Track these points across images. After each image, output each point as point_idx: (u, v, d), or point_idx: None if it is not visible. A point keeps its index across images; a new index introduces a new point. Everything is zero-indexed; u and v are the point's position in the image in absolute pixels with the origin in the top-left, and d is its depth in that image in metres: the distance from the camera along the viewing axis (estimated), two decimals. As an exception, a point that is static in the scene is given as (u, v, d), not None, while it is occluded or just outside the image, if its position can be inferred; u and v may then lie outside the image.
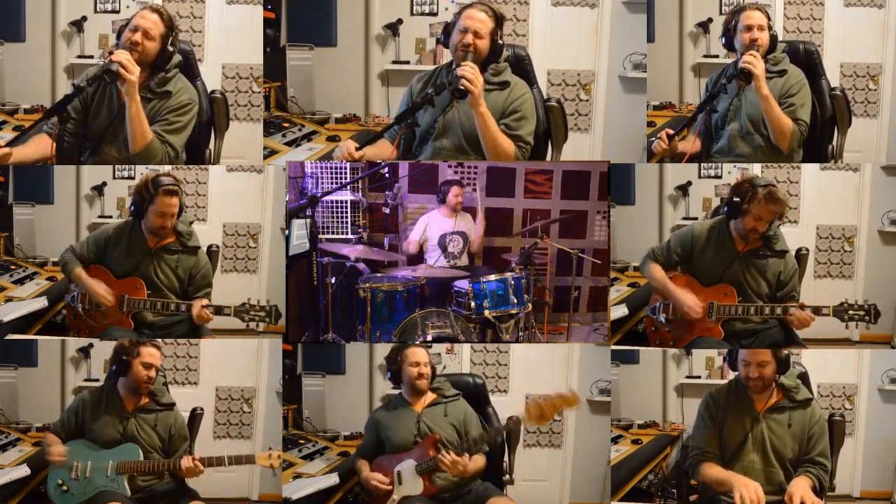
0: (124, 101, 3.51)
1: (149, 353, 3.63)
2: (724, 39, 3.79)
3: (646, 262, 3.81)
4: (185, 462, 3.55)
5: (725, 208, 3.66)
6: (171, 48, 3.59)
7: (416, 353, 3.74)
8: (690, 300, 3.65)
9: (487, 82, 3.60)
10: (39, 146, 3.64)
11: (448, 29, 3.67)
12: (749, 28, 3.68)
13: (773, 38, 3.71)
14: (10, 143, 3.56)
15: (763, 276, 3.64)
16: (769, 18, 3.71)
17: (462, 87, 3.47)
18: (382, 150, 3.74)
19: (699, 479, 3.51)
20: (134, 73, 3.45)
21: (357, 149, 3.59)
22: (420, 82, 3.78)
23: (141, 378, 3.62)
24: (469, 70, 3.49)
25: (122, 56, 3.45)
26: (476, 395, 3.85)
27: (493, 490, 3.64)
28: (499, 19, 3.62)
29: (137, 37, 3.53)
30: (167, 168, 3.75)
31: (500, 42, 3.61)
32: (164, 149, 3.60)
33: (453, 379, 3.86)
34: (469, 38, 3.57)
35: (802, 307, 3.54)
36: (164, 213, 3.63)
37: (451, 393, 3.77)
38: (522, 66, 3.81)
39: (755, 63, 3.61)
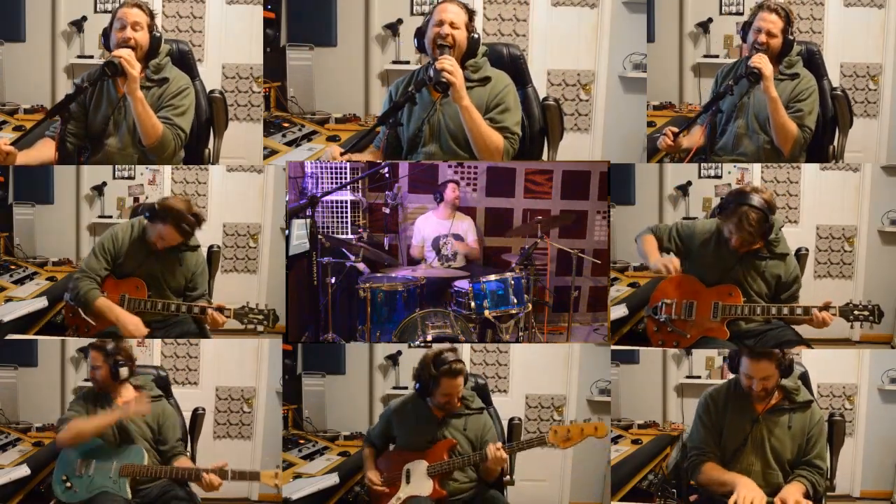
0: (123, 93, 3.59)
1: (93, 357, 3.66)
2: (742, 32, 3.79)
3: (643, 233, 3.79)
4: (207, 477, 3.54)
5: (718, 210, 3.66)
6: (157, 34, 3.68)
7: (451, 386, 3.59)
8: (665, 260, 3.62)
9: (468, 80, 3.59)
10: (44, 150, 3.68)
11: (422, 29, 3.66)
12: (758, 31, 3.67)
13: (789, 43, 3.68)
14: (14, 143, 3.58)
15: (762, 278, 3.62)
16: (789, 24, 3.68)
17: (444, 80, 3.45)
18: (369, 157, 3.76)
19: (699, 479, 3.48)
20: (136, 67, 3.53)
21: (342, 154, 3.59)
22: (400, 86, 3.77)
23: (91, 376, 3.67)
24: (448, 62, 3.48)
25: (125, 52, 3.54)
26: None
27: (500, 500, 3.64)
28: (471, 12, 3.62)
29: (128, 33, 3.61)
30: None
31: (475, 36, 3.62)
32: (175, 133, 3.67)
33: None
34: (446, 28, 3.56)
35: (823, 307, 3.52)
36: (164, 237, 3.70)
37: (475, 406, 3.70)
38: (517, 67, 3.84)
39: (764, 64, 3.59)
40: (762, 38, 3.66)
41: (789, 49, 3.69)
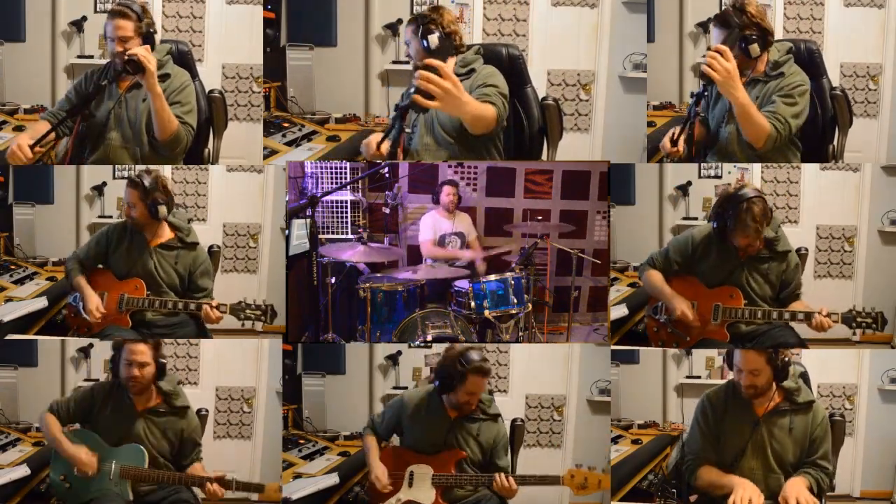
0: (125, 89, 3.66)
1: (133, 351, 3.56)
2: None
3: (644, 270, 3.79)
4: (210, 487, 3.51)
5: (714, 221, 3.62)
6: (151, 30, 3.69)
7: (478, 385, 3.55)
8: (685, 306, 3.63)
9: (456, 74, 3.50)
10: (40, 127, 3.74)
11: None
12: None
13: (764, 31, 3.48)
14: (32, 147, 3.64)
15: (766, 280, 3.62)
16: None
17: (418, 104, 3.09)
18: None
19: (697, 483, 3.44)
20: (153, 63, 3.57)
21: (379, 143, 3.35)
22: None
23: (126, 375, 3.57)
24: (424, 78, 3.04)
25: (140, 49, 3.57)
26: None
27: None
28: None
29: (118, 45, 3.63)
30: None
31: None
32: (187, 130, 3.72)
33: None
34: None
35: (822, 313, 3.48)
36: (129, 202, 3.74)
37: (491, 412, 3.67)
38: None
39: (716, 66, 3.30)
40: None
41: (764, 37, 3.47)
